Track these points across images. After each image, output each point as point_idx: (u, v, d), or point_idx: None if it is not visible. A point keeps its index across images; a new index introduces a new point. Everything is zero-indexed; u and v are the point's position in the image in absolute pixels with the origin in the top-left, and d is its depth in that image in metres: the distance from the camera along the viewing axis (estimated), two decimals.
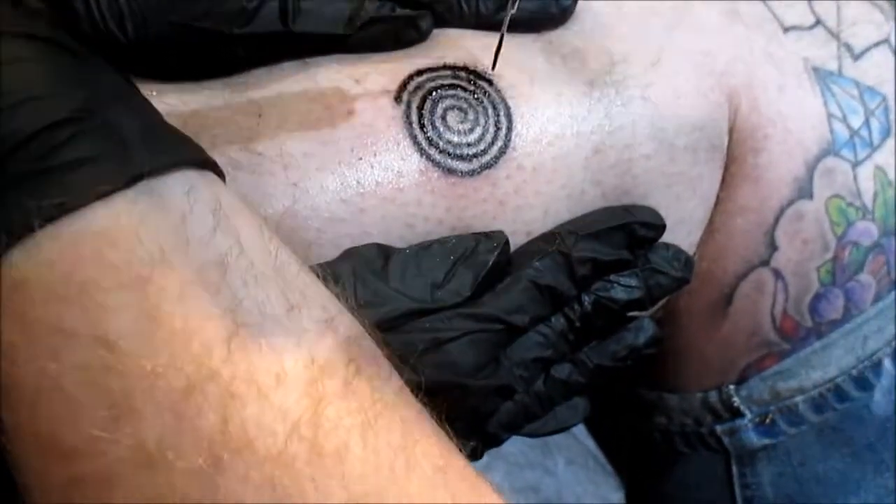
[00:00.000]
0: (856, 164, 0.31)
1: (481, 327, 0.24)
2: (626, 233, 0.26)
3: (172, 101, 0.24)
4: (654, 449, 0.36)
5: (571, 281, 0.26)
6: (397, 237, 0.25)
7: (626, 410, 0.38)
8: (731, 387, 0.33)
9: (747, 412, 0.33)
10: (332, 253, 0.24)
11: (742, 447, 0.33)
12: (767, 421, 0.32)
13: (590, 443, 0.91)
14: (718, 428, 0.33)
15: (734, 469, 0.34)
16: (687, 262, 0.28)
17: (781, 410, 0.32)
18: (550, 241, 0.26)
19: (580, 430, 0.94)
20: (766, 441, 0.33)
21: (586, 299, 0.26)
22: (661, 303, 0.30)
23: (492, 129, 0.26)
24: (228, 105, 0.24)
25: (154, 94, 0.24)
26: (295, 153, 0.24)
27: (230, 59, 0.25)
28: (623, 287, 0.27)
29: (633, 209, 0.27)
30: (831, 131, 0.31)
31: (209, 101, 0.24)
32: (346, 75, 0.25)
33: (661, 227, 0.27)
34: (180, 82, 0.25)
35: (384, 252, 0.24)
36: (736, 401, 0.33)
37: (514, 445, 0.91)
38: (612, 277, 0.27)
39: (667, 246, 0.28)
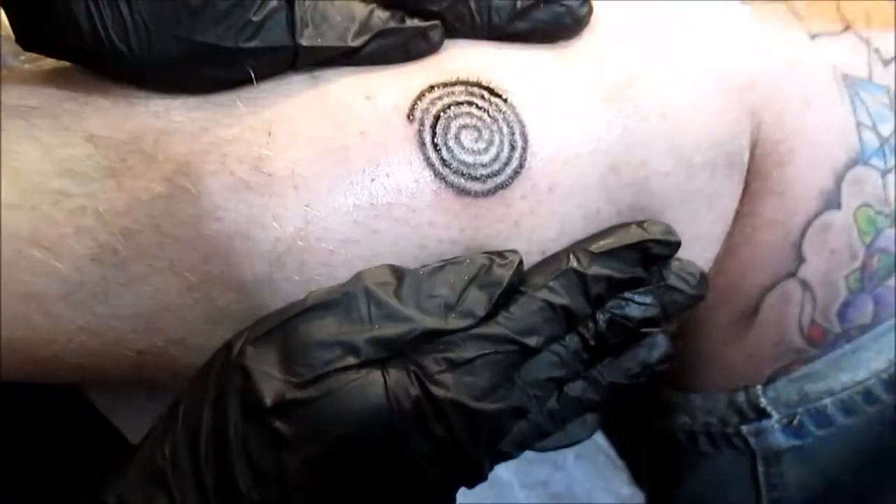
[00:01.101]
0: (885, 172, 0.31)
1: (495, 349, 0.24)
2: (641, 250, 0.26)
3: (180, 119, 0.24)
4: (678, 449, 0.37)
5: (586, 300, 0.25)
6: (410, 258, 0.25)
7: (647, 410, 0.39)
8: (759, 388, 0.33)
9: (774, 413, 0.33)
10: (344, 274, 0.24)
11: (768, 448, 0.33)
12: (795, 422, 0.33)
13: (600, 439, 0.92)
14: (744, 428, 0.34)
15: (760, 469, 0.34)
16: (702, 278, 0.28)
17: (809, 412, 0.33)
18: (564, 260, 0.26)
19: None
20: (794, 442, 0.33)
21: (601, 317, 0.26)
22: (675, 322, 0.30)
23: (507, 149, 0.25)
24: (238, 122, 0.24)
25: (161, 111, 0.24)
26: (306, 174, 0.24)
27: (237, 73, 0.24)
28: (637, 305, 0.27)
29: (648, 225, 0.27)
30: (860, 140, 0.31)
31: (218, 118, 0.24)
32: (356, 91, 0.25)
33: (675, 244, 0.27)
34: (187, 97, 0.24)
35: (397, 273, 0.24)
36: (763, 402, 0.33)
37: None
38: (627, 295, 0.26)
39: (682, 262, 0.28)
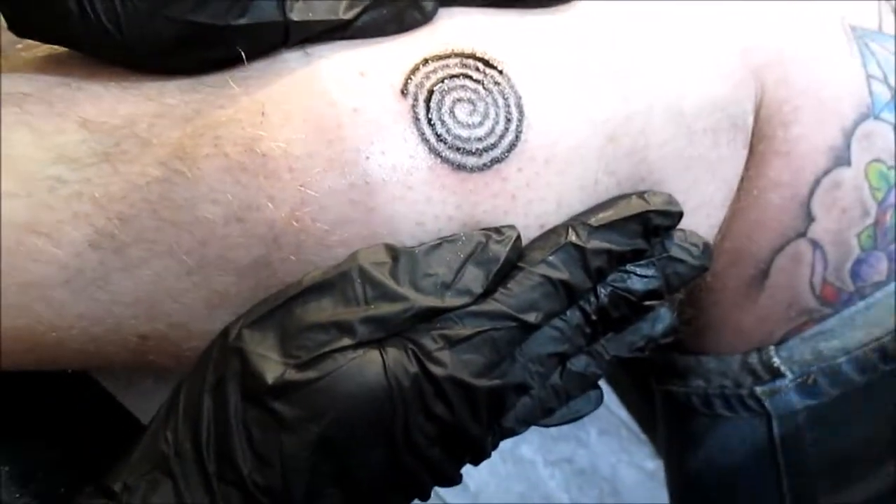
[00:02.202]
0: None
1: (493, 325, 0.24)
2: (642, 222, 0.26)
3: (173, 102, 0.24)
4: (693, 413, 0.37)
5: (586, 274, 0.25)
6: (408, 236, 0.24)
7: (661, 375, 0.38)
8: (772, 348, 0.33)
9: (788, 373, 0.33)
10: (342, 254, 0.24)
11: (783, 408, 0.33)
12: (809, 381, 0.32)
13: (622, 413, 0.92)
14: (758, 389, 0.33)
15: (776, 430, 0.34)
16: (705, 248, 0.27)
17: (824, 371, 0.32)
18: (563, 234, 0.25)
19: (612, 401, 0.95)
20: (809, 402, 0.33)
21: (602, 291, 0.26)
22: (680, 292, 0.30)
23: (502, 122, 0.25)
24: (231, 103, 0.24)
25: (154, 94, 0.24)
26: (300, 154, 0.23)
27: (229, 52, 0.24)
28: (640, 277, 0.26)
29: (649, 196, 0.26)
30: (870, 94, 0.30)
31: (211, 100, 0.24)
32: (349, 68, 0.24)
33: (677, 215, 0.26)
34: (181, 79, 0.24)
35: (392, 252, 0.24)
36: (776, 361, 0.33)
37: None
38: (629, 268, 0.26)
39: (684, 233, 0.27)
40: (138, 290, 0.24)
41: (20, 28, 0.23)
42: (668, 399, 0.40)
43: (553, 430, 0.92)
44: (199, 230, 0.23)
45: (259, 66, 0.24)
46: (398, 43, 0.25)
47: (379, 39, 0.25)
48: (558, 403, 0.27)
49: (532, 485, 0.86)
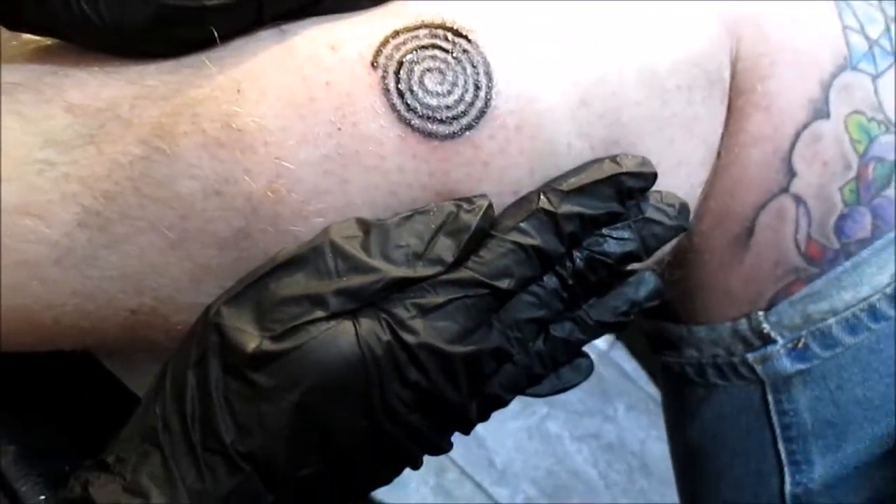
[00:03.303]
0: (876, 77, 0.30)
1: (465, 293, 0.24)
2: (614, 185, 0.26)
3: (153, 83, 0.24)
4: (688, 383, 0.37)
5: (558, 239, 0.25)
6: (382, 205, 0.25)
7: (657, 347, 0.38)
8: (761, 313, 0.32)
9: (779, 338, 0.32)
10: (319, 225, 0.24)
11: (776, 374, 0.33)
12: (800, 345, 0.32)
13: (650, 388, 0.91)
14: (750, 356, 0.33)
15: (770, 397, 0.33)
16: (682, 208, 0.27)
17: (814, 334, 0.32)
18: (535, 201, 0.25)
19: (639, 376, 0.94)
20: (800, 366, 0.32)
21: (578, 256, 0.26)
22: (659, 253, 0.29)
23: (471, 89, 0.25)
24: (208, 82, 0.24)
25: (135, 77, 0.24)
26: (274, 128, 0.24)
27: (206, 32, 0.24)
28: (616, 240, 0.26)
29: (622, 159, 0.26)
30: (847, 45, 0.29)
31: (190, 80, 0.24)
32: (322, 43, 0.25)
33: (651, 176, 0.26)
34: (161, 62, 0.25)
35: (364, 226, 0.24)
36: (766, 327, 0.32)
37: (573, 394, 0.92)
38: (605, 231, 0.26)
39: (660, 194, 0.27)
40: (125, 265, 0.24)
41: (11, 21, 0.24)
42: (665, 370, 0.39)
43: (579, 405, 0.92)
44: (180, 205, 0.24)
45: (235, 45, 0.25)
46: (370, 16, 0.26)
47: (351, 14, 0.26)
48: (543, 369, 0.27)
49: (559, 460, 0.86)
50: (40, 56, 0.25)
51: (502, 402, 0.27)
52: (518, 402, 0.89)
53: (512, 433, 0.85)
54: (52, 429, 0.30)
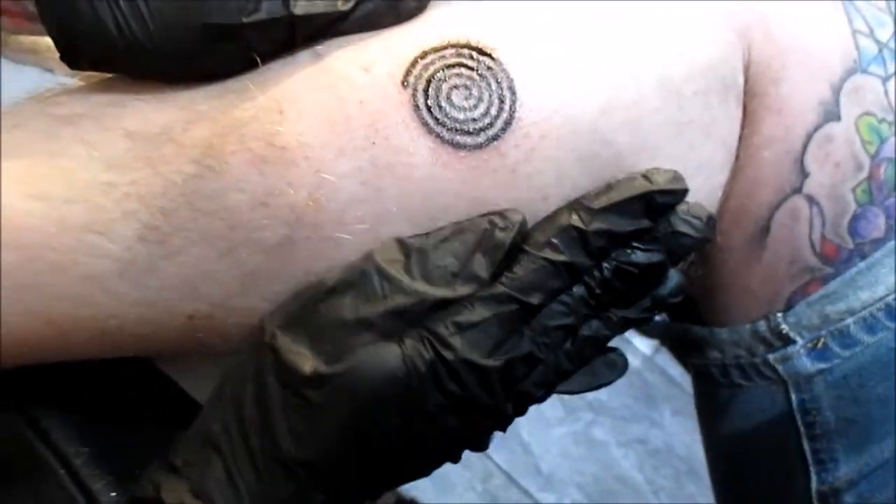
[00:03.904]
0: (886, 79, 0.30)
1: (499, 309, 0.26)
2: (645, 201, 0.27)
3: (203, 108, 0.26)
4: (714, 385, 0.37)
5: (587, 255, 0.26)
6: (416, 211, 0.26)
7: (683, 349, 0.39)
8: (779, 315, 0.33)
9: (798, 338, 0.33)
10: (357, 230, 0.26)
11: (797, 374, 0.33)
12: (820, 345, 0.32)
13: None
14: (771, 357, 0.33)
15: (793, 396, 0.34)
16: (709, 220, 0.28)
17: (833, 334, 0.32)
18: (566, 216, 0.27)
19: (685, 380, 0.93)
20: (821, 365, 0.33)
21: (606, 266, 0.27)
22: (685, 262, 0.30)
23: (496, 103, 0.27)
24: (252, 104, 0.26)
25: (186, 103, 0.26)
26: (314, 144, 0.26)
27: (247, 55, 0.26)
28: (643, 252, 0.27)
29: (653, 175, 0.27)
30: (857, 48, 0.30)
31: (235, 103, 0.26)
32: (354, 64, 0.27)
33: (682, 192, 0.27)
34: (207, 86, 0.27)
35: (404, 248, 0.26)
36: (784, 328, 0.33)
37: (618, 399, 0.92)
38: (633, 244, 0.27)
39: (688, 205, 0.28)
40: (181, 274, 0.26)
41: (71, 59, 0.26)
42: (694, 373, 0.40)
43: (625, 411, 0.92)
44: (229, 216, 0.26)
45: (275, 67, 0.27)
46: (397, 37, 0.27)
47: (380, 33, 0.27)
48: (572, 366, 0.28)
49: (605, 466, 0.86)
50: (101, 89, 0.28)
51: (535, 399, 0.28)
52: (563, 409, 0.90)
53: (557, 439, 0.86)
54: (119, 430, 0.32)
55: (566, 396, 0.90)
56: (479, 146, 0.26)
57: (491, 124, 0.27)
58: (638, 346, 0.93)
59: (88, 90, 0.28)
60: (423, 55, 0.27)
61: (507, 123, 0.27)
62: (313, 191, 0.26)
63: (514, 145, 0.27)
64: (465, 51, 0.27)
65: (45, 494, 0.29)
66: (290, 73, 0.27)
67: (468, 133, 0.27)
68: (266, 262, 0.26)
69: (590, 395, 0.88)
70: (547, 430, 0.85)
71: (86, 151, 0.26)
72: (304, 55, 0.27)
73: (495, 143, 0.27)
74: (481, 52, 0.27)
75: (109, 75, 0.28)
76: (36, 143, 0.26)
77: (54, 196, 0.25)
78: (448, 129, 0.26)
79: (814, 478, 0.34)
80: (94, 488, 0.29)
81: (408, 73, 0.27)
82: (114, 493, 0.29)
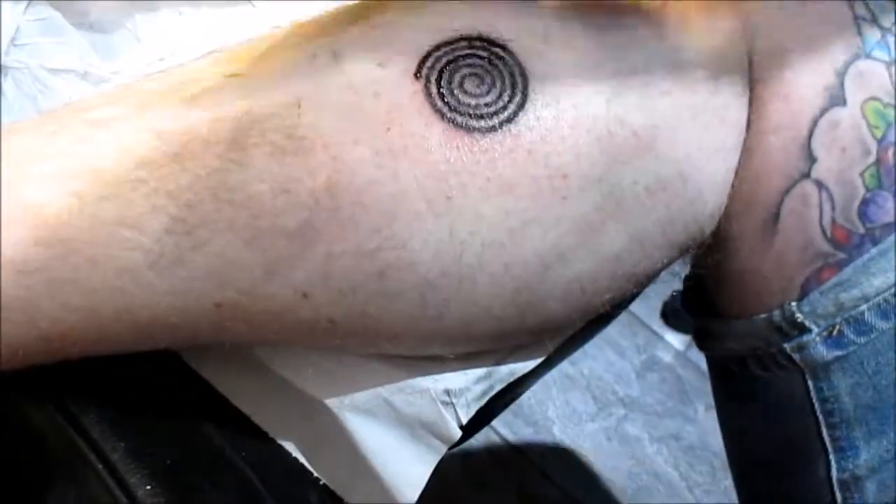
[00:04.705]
0: (891, 64, 0.30)
1: None
2: None
3: (228, 108, 0.27)
4: (731, 375, 0.37)
5: None
6: (433, 191, 0.27)
7: (700, 341, 0.39)
8: (794, 304, 0.33)
9: (813, 326, 0.33)
10: (375, 208, 0.27)
11: (813, 362, 0.33)
12: (835, 332, 0.32)
13: None
14: (787, 346, 0.33)
15: (810, 384, 0.34)
16: None
17: (848, 321, 0.32)
18: None
19: None
20: (837, 353, 0.33)
21: None
22: (700, 237, 0.31)
23: (508, 88, 0.27)
24: (272, 102, 0.27)
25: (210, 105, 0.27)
26: (332, 132, 0.27)
27: None
28: None
29: None
30: (860, 34, 0.30)
31: (258, 102, 0.28)
32: (370, 62, 0.28)
33: None
34: (231, 88, 0.28)
35: None
36: (799, 316, 0.33)
37: (650, 395, 0.91)
38: None
39: None
40: (208, 264, 0.27)
41: None
42: (710, 363, 0.40)
43: (658, 406, 0.91)
44: (253, 205, 0.27)
45: (294, 68, 0.28)
46: (412, 33, 0.28)
47: (394, 31, 0.28)
48: None
49: (639, 462, 0.86)
50: (131, 94, 0.29)
51: None
52: (595, 404, 0.90)
53: (590, 435, 0.86)
54: (152, 425, 0.33)
55: (598, 392, 0.90)
56: (493, 129, 0.27)
57: (504, 108, 0.27)
58: (670, 341, 0.92)
59: (119, 96, 0.30)
60: (437, 48, 0.28)
61: (520, 107, 0.27)
62: (331, 175, 0.27)
63: (528, 127, 0.27)
64: (478, 42, 0.28)
65: (84, 489, 0.31)
66: (307, 73, 0.28)
67: (481, 117, 0.27)
68: (287, 247, 0.27)
69: (622, 391, 0.88)
70: (579, 426, 0.85)
71: (118, 152, 0.27)
72: (322, 55, 0.28)
73: (509, 125, 0.27)
74: (493, 43, 0.28)
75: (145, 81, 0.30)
76: (73, 145, 0.27)
77: (89, 194, 0.26)
78: (461, 115, 0.27)
79: (834, 466, 0.34)
80: (130, 482, 0.30)
81: (421, 65, 0.28)
82: (149, 486, 0.30)
